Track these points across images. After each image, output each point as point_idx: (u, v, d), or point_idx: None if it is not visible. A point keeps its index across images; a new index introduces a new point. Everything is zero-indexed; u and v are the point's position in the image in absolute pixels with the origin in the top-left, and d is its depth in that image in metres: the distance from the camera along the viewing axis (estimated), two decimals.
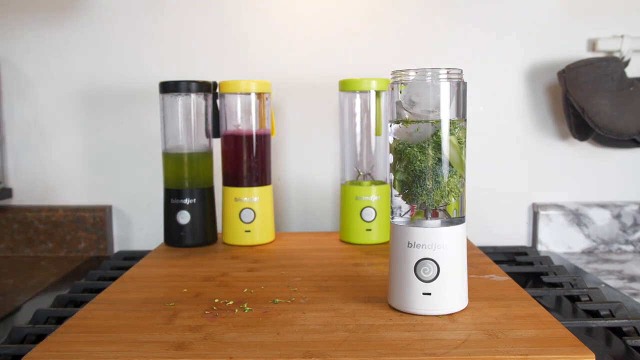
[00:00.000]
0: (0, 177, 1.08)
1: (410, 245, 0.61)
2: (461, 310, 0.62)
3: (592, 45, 1.04)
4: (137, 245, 1.10)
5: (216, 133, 0.97)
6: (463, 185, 0.62)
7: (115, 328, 0.58)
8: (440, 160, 0.60)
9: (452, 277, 0.61)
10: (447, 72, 0.60)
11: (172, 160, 0.95)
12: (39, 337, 0.63)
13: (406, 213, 0.63)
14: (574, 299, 0.75)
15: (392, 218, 0.64)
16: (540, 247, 1.06)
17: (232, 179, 0.95)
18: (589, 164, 1.07)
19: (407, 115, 0.62)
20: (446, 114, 0.60)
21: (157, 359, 0.51)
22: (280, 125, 1.07)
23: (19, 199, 1.10)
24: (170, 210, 0.95)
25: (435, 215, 0.62)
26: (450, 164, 0.60)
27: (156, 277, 0.77)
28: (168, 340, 0.55)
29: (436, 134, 0.60)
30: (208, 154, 0.97)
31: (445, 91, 0.60)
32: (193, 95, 0.95)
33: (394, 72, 0.62)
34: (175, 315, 0.62)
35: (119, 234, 1.10)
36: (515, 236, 1.09)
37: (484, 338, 0.54)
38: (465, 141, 0.62)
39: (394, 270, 0.63)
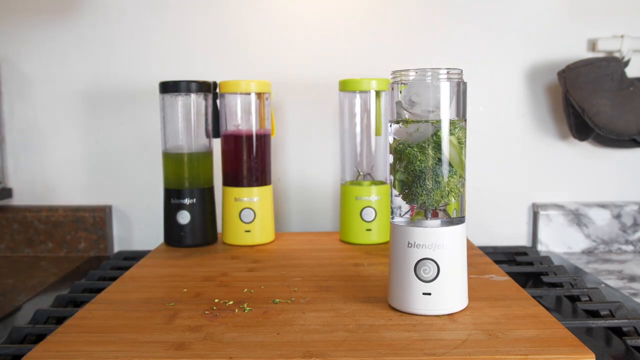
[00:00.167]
0: (0, 177, 1.08)
1: (410, 245, 0.61)
2: (461, 310, 0.62)
3: (592, 45, 1.04)
4: (137, 245, 1.10)
5: (216, 133, 0.97)
6: (463, 185, 0.62)
7: (115, 328, 0.58)
8: (440, 160, 0.60)
9: (452, 277, 0.61)
10: (447, 72, 0.60)
11: (172, 160, 0.95)
12: (39, 337, 0.63)
13: (406, 213, 0.63)
14: (574, 299, 0.75)
15: (392, 218, 0.64)
16: (540, 247, 1.06)
17: (232, 179, 0.95)
18: (589, 164, 1.07)
19: (407, 115, 0.62)
20: (446, 114, 0.60)
21: (157, 359, 0.51)
22: (280, 125, 1.07)
23: (19, 199, 1.10)
24: (170, 210, 0.95)
25: (435, 215, 0.62)
26: (450, 164, 0.60)
27: (156, 277, 0.77)
28: (168, 340, 0.55)
29: (436, 134, 0.60)
30: (208, 154, 0.97)
31: (445, 91, 0.60)
32: (193, 95, 0.95)
33: (394, 72, 0.62)
34: (175, 315, 0.62)
35: (119, 234, 1.10)
36: (515, 236, 1.09)
37: (484, 338, 0.54)
38: (465, 141, 0.62)
39: (394, 270, 0.63)
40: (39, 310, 0.69)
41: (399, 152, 0.62)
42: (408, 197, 0.62)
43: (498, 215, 1.08)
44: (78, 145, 1.08)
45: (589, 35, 1.05)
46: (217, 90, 0.96)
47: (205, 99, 0.96)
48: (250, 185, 0.94)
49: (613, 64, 0.97)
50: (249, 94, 0.94)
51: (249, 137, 0.94)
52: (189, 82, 0.93)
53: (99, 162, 1.09)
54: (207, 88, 0.95)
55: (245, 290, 0.70)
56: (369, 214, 0.93)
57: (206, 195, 0.96)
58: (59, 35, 1.06)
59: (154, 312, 0.63)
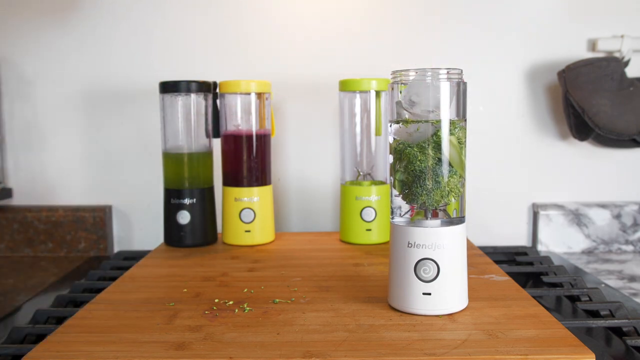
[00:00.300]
0: (0, 177, 1.08)
1: (410, 245, 0.61)
2: (461, 310, 0.62)
3: (592, 45, 1.04)
4: (137, 245, 1.10)
5: (216, 133, 0.97)
6: (463, 185, 0.62)
7: (115, 328, 0.58)
8: (440, 160, 0.60)
9: (452, 277, 0.61)
10: (447, 72, 0.60)
11: (172, 160, 0.95)
12: (39, 337, 0.63)
13: (406, 213, 0.63)
14: (574, 299, 0.75)
15: (392, 218, 0.64)
16: (540, 247, 1.06)
17: (232, 179, 0.95)
18: (589, 164, 1.07)
19: (407, 115, 0.62)
20: (446, 114, 0.60)
21: (157, 359, 0.51)
22: (280, 125, 1.07)
23: (19, 199, 1.10)
24: (170, 210, 0.95)
25: (435, 215, 0.62)
26: (450, 164, 0.60)
27: (156, 277, 0.77)
28: (168, 340, 0.55)
29: (436, 134, 0.60)
30: (208, 154, 0.97)
31: (445, 91, 0.60)
32: (193, 95, 0.95)
33: (394, 72, 0.62)
34: (175, 315, 0.62)
35: (119, 234, 1.10)
36: (515, 236, 1.09)
37: (484, 338, 0.54)
38: (465, 141, 0.62)
39: (394, 270, 0.63)
40: (39, 310, 0.69)
41: (399, 152, 0.62)
42: (408, 197, 0.62)
43: (498, 215, 1.08)
44: (78, 145, 1.08)
45: (589, 35, 1.05)
46: (217, 90, 0.96)
47: (205, 99, 0.96)
48: (250, 185, 0.94)
49: (613, 64, 0.97)
50: (249, 94, 0.94)
51: (249, 137, 0.94)
52: (189, 82, 0.93)
53: (99, 162, 1.09)
54: (207, 88, 0.95)
55: (245, 290, 0.70)
56: (369, 214, 0.93)
57: (206, 195, 0.96)
58: (59, 36, 1.06)
59: (154, 312, 0.63)
